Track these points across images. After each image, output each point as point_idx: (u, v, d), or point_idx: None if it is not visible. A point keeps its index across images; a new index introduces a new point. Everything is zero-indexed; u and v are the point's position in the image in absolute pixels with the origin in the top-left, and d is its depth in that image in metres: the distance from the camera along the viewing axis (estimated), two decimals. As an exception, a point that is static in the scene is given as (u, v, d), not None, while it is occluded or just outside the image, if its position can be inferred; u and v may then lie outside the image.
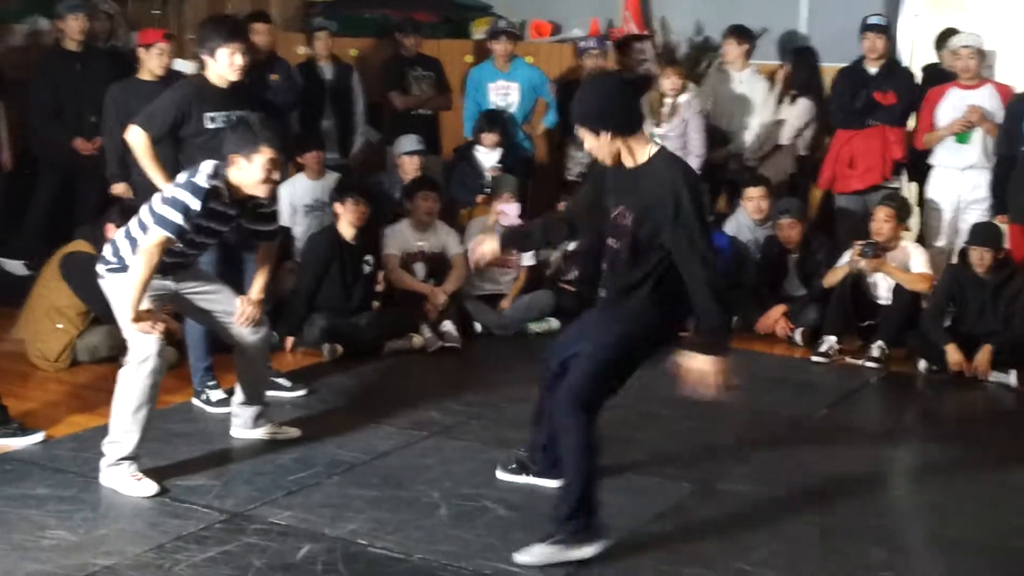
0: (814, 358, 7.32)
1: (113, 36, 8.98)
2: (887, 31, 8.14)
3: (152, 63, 7.23)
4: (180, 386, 6.03)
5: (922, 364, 7.17)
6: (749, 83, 8.68)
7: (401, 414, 5.99)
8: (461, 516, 4.74)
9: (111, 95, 7.20)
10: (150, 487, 4.85)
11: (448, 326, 7.39)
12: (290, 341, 7.11)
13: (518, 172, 8.54)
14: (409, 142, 8.29)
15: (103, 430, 4.96)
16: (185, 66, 7.70)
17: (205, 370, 5.93)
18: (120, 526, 4.57)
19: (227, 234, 5.16)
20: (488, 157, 8.55)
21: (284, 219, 7.83)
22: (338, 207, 7.24)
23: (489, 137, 8.52)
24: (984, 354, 6.89)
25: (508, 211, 7.91)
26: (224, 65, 5.67)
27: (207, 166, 4.90)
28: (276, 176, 4.94)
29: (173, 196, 4.82)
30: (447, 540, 4.52)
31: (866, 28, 8.06)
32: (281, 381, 6.23)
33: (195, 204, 4.78)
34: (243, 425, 5.52)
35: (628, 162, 4.33)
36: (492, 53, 9.00)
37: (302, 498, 4.87)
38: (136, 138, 5.64)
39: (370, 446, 5.51)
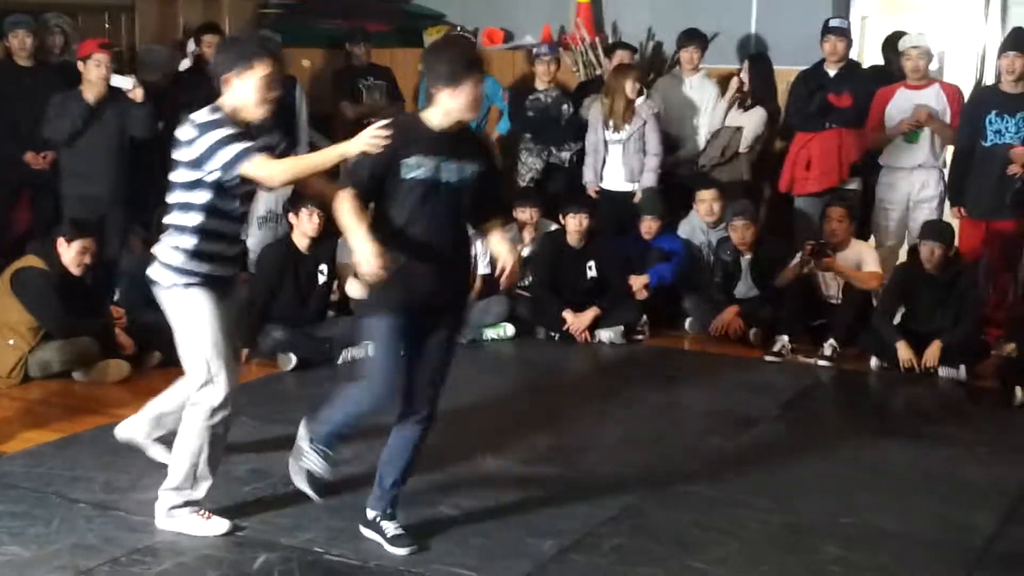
0: (767, 358, 7.39)
1: (66, 50, 8.93)
2: (847, 34, 8.17)
3: (91, 74, 7.24)
4: (132, 399, 5.97)
5: (874, 361, 7.25)
6: (699, 88, 8.72)
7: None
8: (418, 523, 4.73)
9: (51, 104, 7.37)
10: (222, 525, 4.63)
11: (404, 334, 7.38)
12: (245, 352, 7.09)
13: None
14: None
15: (56, 445, 4.94)
16: (124, 82, 7.60)
17: None
18: (73, 541, 4.53)
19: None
20: (441, 165, 8.52)
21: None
22: (292, 218, 7.23)
23: (442, 145, 8.48)
24: (934, 349, 6.96)
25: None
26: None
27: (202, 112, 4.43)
28: (272, 94, 4.44)
29: (217, 139, 4.28)
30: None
31: (827, 31, 8.09)
32: None
33: (230, 127, 4.33)
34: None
35: None
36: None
37: (258, 508, 4.86)
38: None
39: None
